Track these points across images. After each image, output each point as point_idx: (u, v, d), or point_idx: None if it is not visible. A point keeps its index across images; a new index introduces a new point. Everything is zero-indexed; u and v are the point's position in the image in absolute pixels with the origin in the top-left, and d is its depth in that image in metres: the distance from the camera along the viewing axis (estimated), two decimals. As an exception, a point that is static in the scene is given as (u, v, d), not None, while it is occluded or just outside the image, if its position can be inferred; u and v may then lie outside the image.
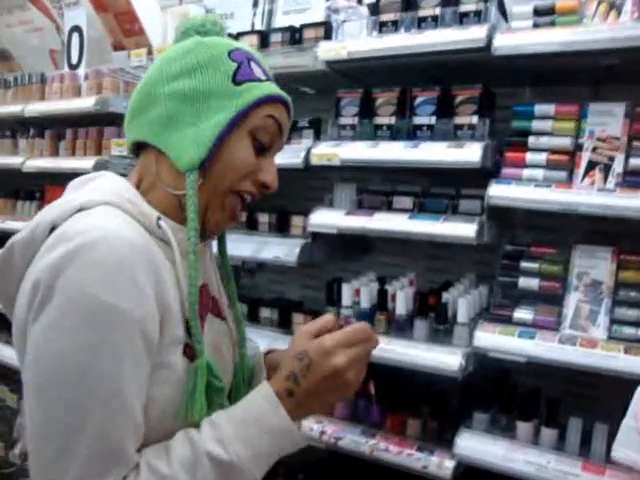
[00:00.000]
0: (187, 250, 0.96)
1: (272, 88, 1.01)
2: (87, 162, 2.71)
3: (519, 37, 1.73)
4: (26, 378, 0.86)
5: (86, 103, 2.71)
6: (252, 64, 1.00)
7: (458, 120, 1.91)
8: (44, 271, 0.83)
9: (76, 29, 2.87)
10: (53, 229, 0.89)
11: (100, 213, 0.89)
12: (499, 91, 2.06)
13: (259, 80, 1.00)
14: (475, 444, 1.75)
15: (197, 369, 0.92)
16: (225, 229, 1.08)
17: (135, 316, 0.83)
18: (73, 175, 3.13)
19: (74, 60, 2.92)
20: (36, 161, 3.02)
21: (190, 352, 0.93)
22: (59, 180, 3.08)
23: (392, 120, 2.01)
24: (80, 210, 0.90)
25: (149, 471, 0.85)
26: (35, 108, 2.97)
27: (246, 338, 1.16)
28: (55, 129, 3.08)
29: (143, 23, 2.79)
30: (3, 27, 3.48)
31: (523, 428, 1.77)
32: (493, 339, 1.73)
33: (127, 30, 2.83)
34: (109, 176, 1.01)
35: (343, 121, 2.11)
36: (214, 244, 1.17)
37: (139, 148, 1.04)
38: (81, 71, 2.90)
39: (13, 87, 3.25)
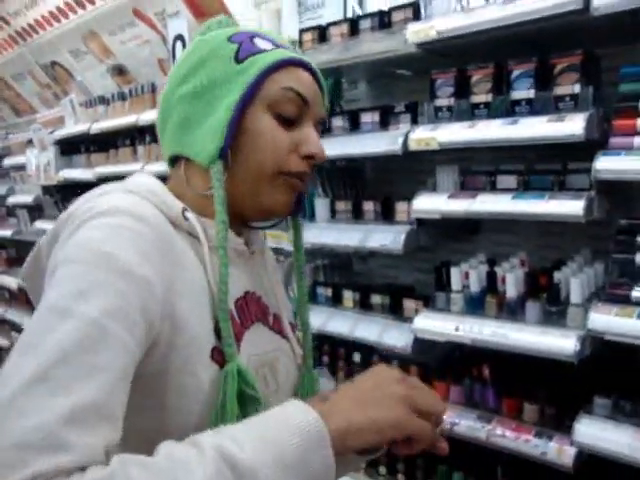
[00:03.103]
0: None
1: (281, 53, 0.91)
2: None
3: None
4: None
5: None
6: (256, 39, 0.92)
7: (559, 91, 1.80)
8: (55, 252, 0.80)
9: (179, 37, 2.98)
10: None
11: (114, 196, 0.83)
12: (605, 52, 1.92)
13: (264, 50, 0.91)
14: (597, 431, 1.67)
15: (226, 375, 0.81)
16: (274, 217, 0.97)
17: (135, 271, 0.74)
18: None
19: (179, 66, 3.04)
20: (153, 166, 3.21)
21: (219, 357, 0.83)
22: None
23: (489, 97, 1.94)
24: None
25: (123, 461, 0.63)
26: (148, 116, 3.15)
27: (311, 361, 1.03)
28: (168, 134, 3.24)
29: (240, 24, 2.84)
30: (118, 44, 3.70)
31: (650, 413, 1.67)
32: (610, 321, 1.63)
33: (225, 32, 2.91)
34: (142, 174, 0.95)
35: (439, 102, 2.06)
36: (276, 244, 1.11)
37: (174, 164, 0.98)
38: (186, 76, 3.02)
39: (129, 98, 3.46)
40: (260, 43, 0.91)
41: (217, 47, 0.91)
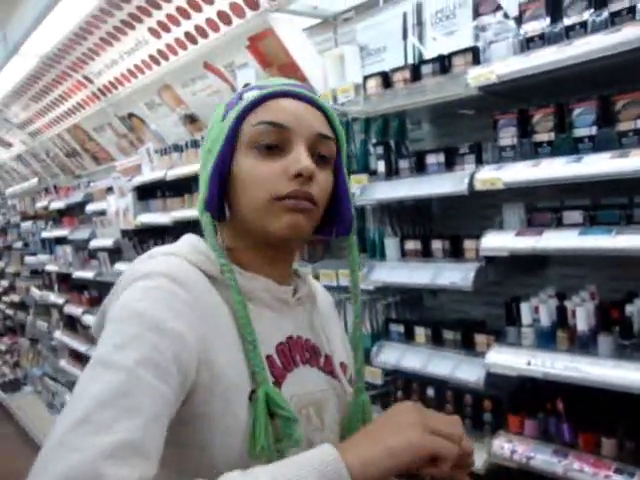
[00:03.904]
0: (262, 299, 0.99)
1: (253, 95, 0.97)
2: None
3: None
4: None
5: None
6: (245, 94, 0.99)
7: (622, 127, 1.83)
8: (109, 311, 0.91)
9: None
10: None
11: (154, 260, 0.95)
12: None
13: (240, 100, 0.98)
14: (678, 466, 1.67)
15: (256, 401, 0.88)
16: (291, 240, 1.00)
17: (167, 326, 0.84)
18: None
19: (249, 115, 3.20)
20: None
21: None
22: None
23: (551, 136, 1.98)
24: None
25: None
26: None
27: (362, 384, 1.08)
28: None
29: (304, 71, 2.99)
30: (190, 95, 3.92)
31: None
32: (685, 354, 1.64)
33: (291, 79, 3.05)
34: (184, 237, 1.05)
35: (502, 142, 2.11)
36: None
37: None
38: (255, 124, 3.16)
39: (201, 145, 3.64)
40: (247, 95, 0.99)
41: (216, 114, 1.02)
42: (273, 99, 0.97)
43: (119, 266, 4.80)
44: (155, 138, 4.62)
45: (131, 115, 4.73)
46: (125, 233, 4.80)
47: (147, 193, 4.50)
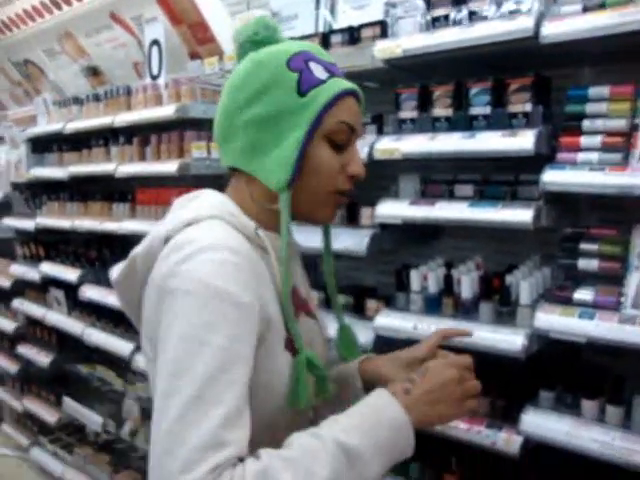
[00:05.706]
0: (281, 256, 1.11)
1: (336, 85, 1.07)
2: (171, 165, 2.91)
3: (567, 24, 1.74)
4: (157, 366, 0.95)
5: (167, 111, 2.91)
6: (312, 65, 1.06)
7: (512, 108, 1.95)
8: (163, 277, 0.97)
9: (155, 42, 3.07)
10: (167, 241, 1.02)
11: (207, 225, 1.02)
12: (557, 73, 2.07)
13: (322, 82, 1.06)
14: (540, 421, 1.82)
15: (299, 364, 1.03)
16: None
17: (243, 300, 0.94)
18: (160, 177, 3.31)
19: (155, 71, 3.13)
20: (126, 166, 3.27)
21: (291, 346, 1.05)
22: (148, 182, 3.32)
23: (449, 112, 2.08)
24: (189, 224, 1.03)
25: (270, 456, 0.87)
26: (123, 118, 3.21)
27: (342, 319, 1.33)
28: (142, 136, 3.31)
29: (214, 31, 2.96)
30: (93, 46, 3.78)
31: (588, 406, 1.81)
32: (553, 320, 1.78)
33: (200, 39, 3.02)
34: (210, 193, 1.13)
35: (403, 115, 2.19)
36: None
37: (233, 169, 1.15)
38: (161, 81, 3.10)
39: (104, 100, 3.53)
40: (316, 70, 1.06)
41: (278, 75, 1.05)
42: (346, 95, 1.08)
43: (8, 221, 4.57)
44: (53, 89, 4.42)
45: (27, 62, 4.49)
46: (16, 186, 4.58)
47: (42, 146, 4.31)
